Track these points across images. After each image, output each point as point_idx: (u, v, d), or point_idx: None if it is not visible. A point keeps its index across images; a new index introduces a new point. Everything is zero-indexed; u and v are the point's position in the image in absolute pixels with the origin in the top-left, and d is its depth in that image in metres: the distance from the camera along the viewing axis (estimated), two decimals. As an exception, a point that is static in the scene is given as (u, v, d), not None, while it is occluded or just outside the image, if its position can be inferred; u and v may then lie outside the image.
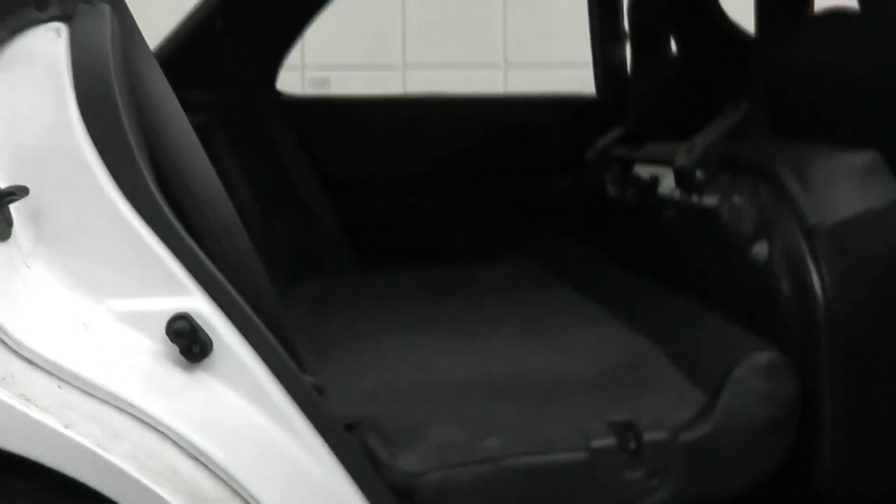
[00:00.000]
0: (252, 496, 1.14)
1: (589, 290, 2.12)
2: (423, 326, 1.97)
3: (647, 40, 2.75)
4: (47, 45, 1.17)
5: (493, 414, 1.50)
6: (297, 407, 1.22)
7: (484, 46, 4.49)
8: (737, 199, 1.71)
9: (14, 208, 1.15)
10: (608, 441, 1.44)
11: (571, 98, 3.18)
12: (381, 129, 3.01)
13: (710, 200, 1.78)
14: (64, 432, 1.08)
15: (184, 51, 2.57)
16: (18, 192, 1.14)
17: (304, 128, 2.91)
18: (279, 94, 2.96)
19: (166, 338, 1.17)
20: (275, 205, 2.71)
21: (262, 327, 1.23)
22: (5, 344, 1.10)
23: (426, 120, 3.05)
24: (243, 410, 1.19)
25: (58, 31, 1.17)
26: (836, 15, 1.85)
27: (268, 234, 2.62)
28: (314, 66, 4.25)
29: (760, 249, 1.63)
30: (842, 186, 1.59)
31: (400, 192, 3.01)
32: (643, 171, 2.23)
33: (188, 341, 1.17)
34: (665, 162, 2.03)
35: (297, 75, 4.12)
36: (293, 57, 3.02)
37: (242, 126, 2.72)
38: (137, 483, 1.09)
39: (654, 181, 2.08)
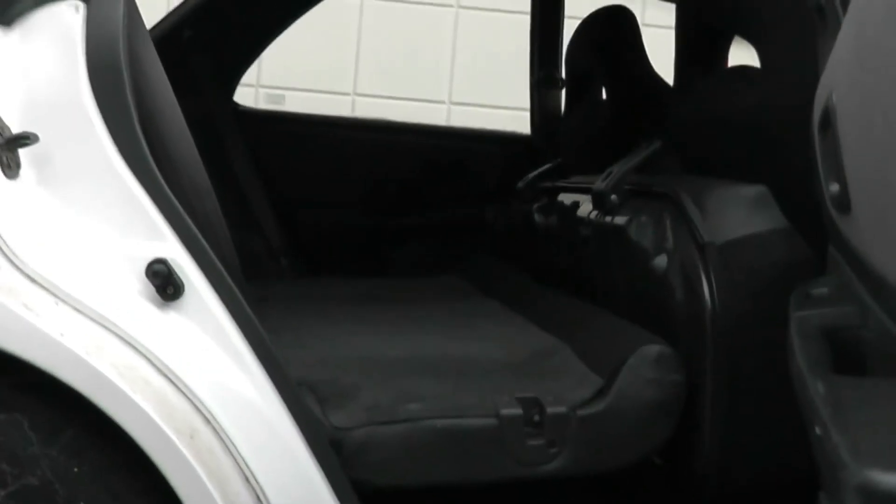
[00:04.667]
0: (210, 413, 1.32)
1: (508, 299, 2.34)
2: (357, 319, 2.15)
3: (580, 87, 3.01)
4: (67, 17, 1.36)
5: (416, 385, 1.68)
6: (253, 352, 1.40)
7: (431, 84, 4.72)
8: (643, 219, 1.94)
9: (22, 152, 1.34)
10: (515, 411, 1.63)
11: (508, 135, 3.43)
12: (329, 148, 3.20)
13: (620, 220, 2.00)
14: (59, 339, 1.26)
15: None
16: (31, 138, 1.32)
17: (257, 140, 3.09)
18: (236, 106, 3.15)
19: (146, 277, 1.36)
20: (222, 209, 2.87)
21: (229, 279, 1.42)
22: (11, 261, 1.28)
23: (371, 143, 3.25)
24: (207, 347, 1.37)
25: (77, 8, 1.37)
26: (739, 70, 2.12)
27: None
28: (269, 86, 4.44)
29: (660, 262, 1.86)
30: (733, 213, 1.83)
31: (341, 209, 3.20)
32: (566, 198, 2.46)
33: (164, 283, 1.36)
34: (585, 190, 2.26)
35: (252, 92, 4.31)
36: (249, 75, 3.21)
37: (199, 132, 2.89)
38: (117, 389, 1.27)
39: (575, 205, 2.31)
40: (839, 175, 1.16)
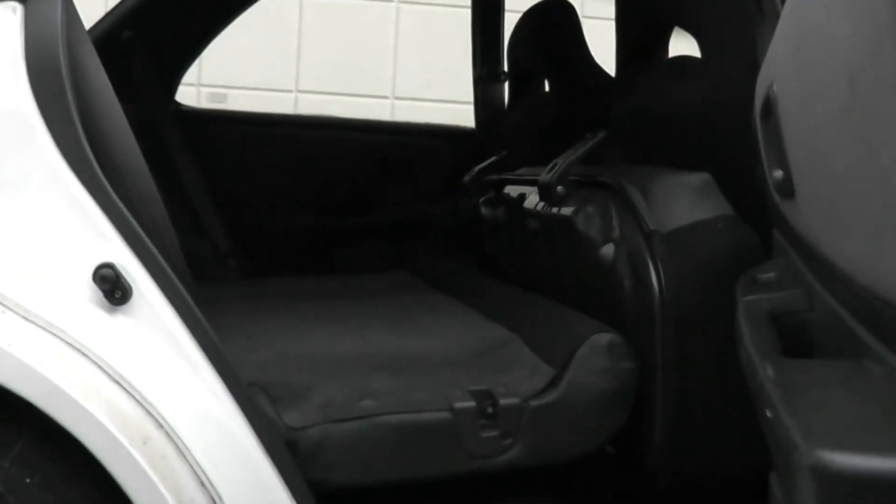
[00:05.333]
0: (162, 418, 1.31)
1: (458, 293, 2.34)
2: (308, 317, 2.14)
3: (522, 81, 3.02)
4: (4, 19, 1.34)
5: (370, 382, 1.67)
6: (204, 355, 1.39)
7: (374, 79, 4.71)
8: (590, 209, 1.95)
9: (-36, 162, 1.32)
10: (468, 404, 1.63)
11: (452, 129, 3.43)
12: (274, 146, 3.17)
13: (566, 211, 2.02)
14: (7, 349, 1.24)
15: None
16: (-29, 147, 1.30)
17: (200, 140, 3.06)
18: (178, 105, 3.12)
19: (93, 282, 1.34)
20: (167, 211, 2.83)
21: (177, 282, 1.40)
22: (-45, 273, 1.26)
23: (316, 140, 3.24)
24: (157, 351, 1.35)
25: (14, 10, 1.34)
26: (680, 61, 2.14)
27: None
28: (211, 85, 4.40)
29: (607, 251, 1.87)
30: (678, 201, 1.85)
31: (288, 209, 3.18)
32: (512, 190, 2.47)
33: (112, 287, 1.34)
34: (531, 182, 2.27)
35: (194, 91, 4.27)
36: (190, 74, 3.18)
37: (141, 133, 2.85)
38: (68, 397, 1.25)
39: (521, 198, 2.32)
40: (782, 162, 1.18)
